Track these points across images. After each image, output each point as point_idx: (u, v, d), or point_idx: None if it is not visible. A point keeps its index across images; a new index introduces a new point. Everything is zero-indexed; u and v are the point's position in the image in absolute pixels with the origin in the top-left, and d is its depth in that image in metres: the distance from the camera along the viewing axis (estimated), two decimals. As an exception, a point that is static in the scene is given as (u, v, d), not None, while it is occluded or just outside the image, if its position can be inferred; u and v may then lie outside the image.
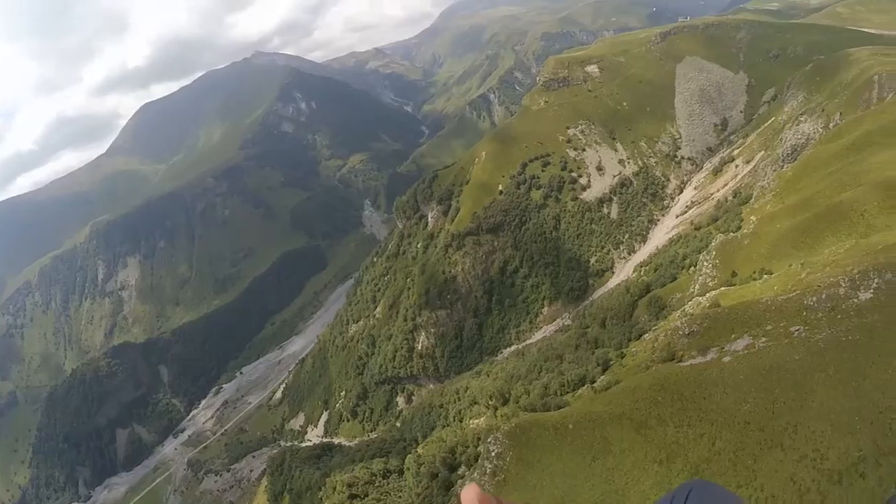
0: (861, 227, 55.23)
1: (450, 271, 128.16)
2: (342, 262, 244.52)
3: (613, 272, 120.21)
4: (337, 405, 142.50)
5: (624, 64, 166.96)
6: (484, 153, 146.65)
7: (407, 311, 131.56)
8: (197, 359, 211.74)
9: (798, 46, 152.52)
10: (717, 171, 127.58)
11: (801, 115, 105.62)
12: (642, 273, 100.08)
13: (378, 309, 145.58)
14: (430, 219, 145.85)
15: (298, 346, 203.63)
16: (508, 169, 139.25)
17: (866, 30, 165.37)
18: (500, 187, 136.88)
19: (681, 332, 47.93)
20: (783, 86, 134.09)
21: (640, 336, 64.58)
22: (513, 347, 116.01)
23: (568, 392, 60.93)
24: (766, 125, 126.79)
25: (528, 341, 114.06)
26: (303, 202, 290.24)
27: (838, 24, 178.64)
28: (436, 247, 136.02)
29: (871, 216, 55.37)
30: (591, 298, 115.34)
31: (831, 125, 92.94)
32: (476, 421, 79.21)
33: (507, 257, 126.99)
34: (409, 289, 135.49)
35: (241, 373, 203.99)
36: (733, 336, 42.14)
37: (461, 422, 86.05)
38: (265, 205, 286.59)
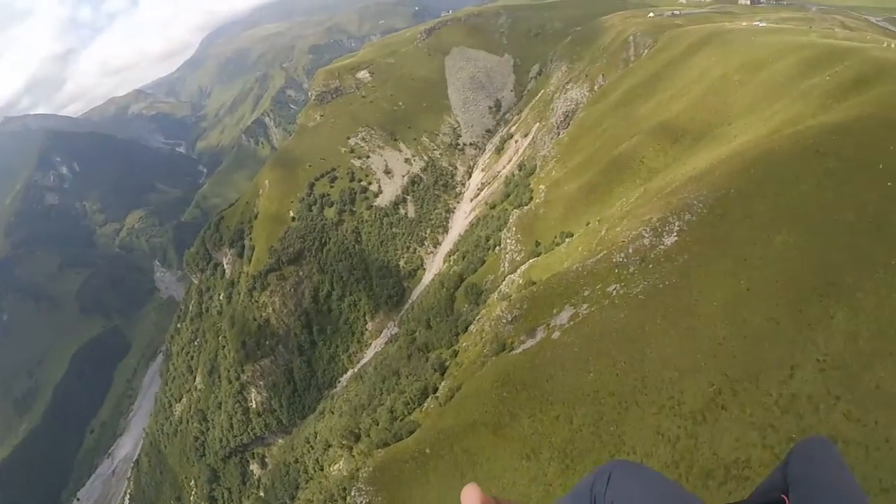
0: (643, 172, 57.92)
1: (261, 316, 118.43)
2: (146, 338, 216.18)
3: (425, 269, 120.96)
4: (191, 498, 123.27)
5: (395, 65, 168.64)
6: (267, 182, 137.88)
7: (228, 371, 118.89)
8: (23, 502, 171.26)
9: (556, 22, 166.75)
10: (499, 150, 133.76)
11: (567, 83, 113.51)
12: (452, 263, 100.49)
13: (198, 379, 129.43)
14: (225, 265, 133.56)
15: (128, 447, 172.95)
16: (296, 193, 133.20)
17: None
18: (292, 214, 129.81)
19: (504, 320, 45.96)
20: (547, 60, 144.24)
21: (467, 328, 63.79)
22: (349, 373, 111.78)
23: (414, 409, 57.91)
24: (536, 99, 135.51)
25: (362, 361, 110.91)
26: (86, 282, 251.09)
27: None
28: (239, 293, 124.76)
29: (650, 160, 58.49)
30: (410, 301, 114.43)
31: (596, 87, 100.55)
32: (336, 466, 74.32)
33: (316, 284, 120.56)
34: (223, 347, 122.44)
35: (77, 500, 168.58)
36: (555, 311, 40.71)
37: (322, 470, 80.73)
38: (46, 296, 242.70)
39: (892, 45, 61.48)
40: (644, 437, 28.85)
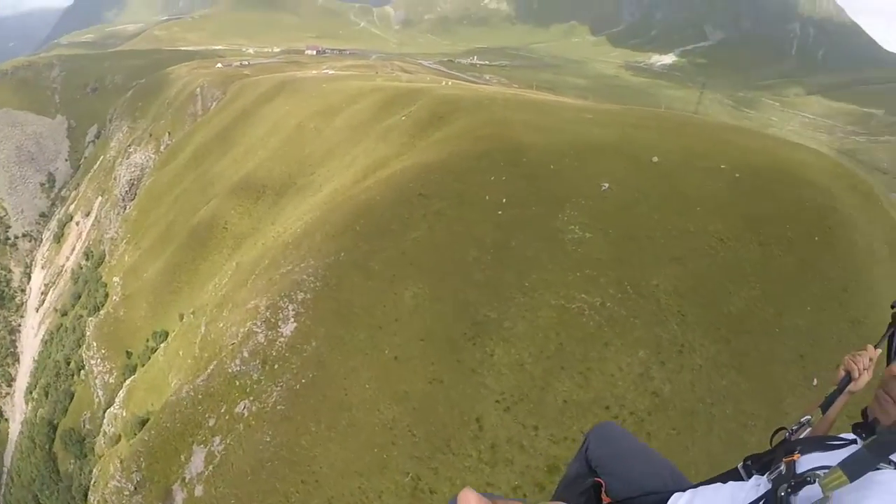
0: (229, 240, 51.25)
1: None
2: None
3: (7, 418, 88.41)
4: None
5: None
6: None
7: None
8: None
9: (117, 75, 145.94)
10: (59, 238, 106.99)
11: (130, 146, 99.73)
12: (36, 404, 74.86)
13: None
14: None
15: None
16: None
17: (184, 48, 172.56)
18: None
19: (127, 491, 34.73)
20: (105, 120, 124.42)
21: (86, 497, 48.15)
22: None
23: None
24: (95, 167, 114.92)
25: None
26: None
27: (157, 46, 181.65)
28: None
29: (235, 225, 52.99)
30: (3, 471, 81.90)
31: (163, 148, 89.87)
32: None
33: None
34: None
35: None
36: (183, 458, 31.67)
37: None
38: None
39: (450, 83, 66.72)
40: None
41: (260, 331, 32.65)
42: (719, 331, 24.62)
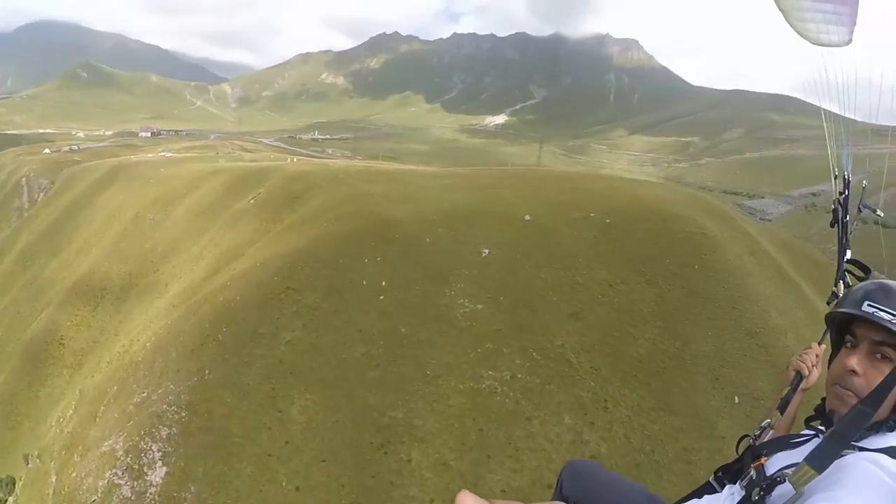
0: (69, 358, 46.68)
1: None
2: None
3: None
4: None
5: None
6: None
7: None
8: None
9: None
10: None
11: None
12: None
13: None
14: None
15: None
16: None
17: (10, 132, 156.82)
18: None
19: None
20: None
21: None
22: None
23: None
24: None
25: None
26: None
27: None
28: None
29: (73, 339, 47.78)
30: None
31: None
32: None
33: None
34: None
35: None
36: None
37: None
38: None
39: (296, 160, 64.73)
40: None
41: (124, 482, 27.30)
42: (636, 377, 23.92)
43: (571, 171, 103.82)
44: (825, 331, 2.69)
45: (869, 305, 2.00)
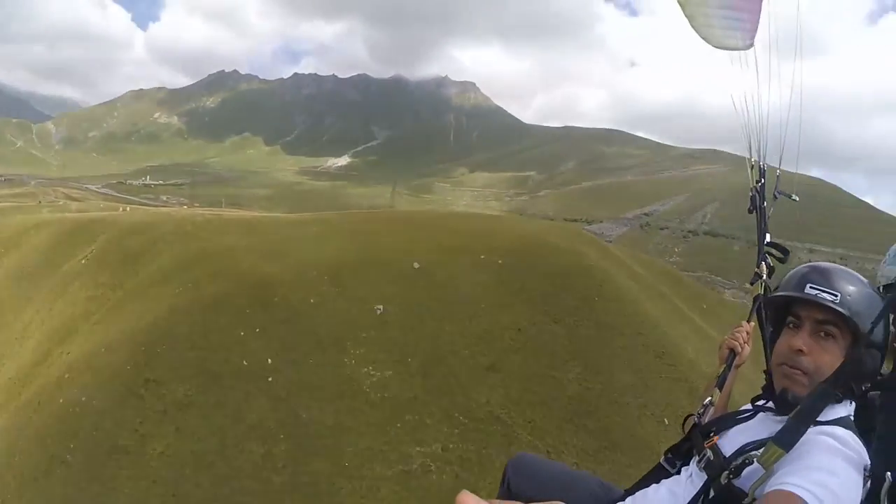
0: None
1: None
2: None
3: None
4: None
5: None
6: None
7: None
8: None
9: None
10: None
11: None
12: None
13: None
14: None
15: None
16: None
17: None
18: None
19: None
20: None
21: None
22: None
23: None
24: None
25: None
26: None
27: None
28: None
29: None
30: None
31: None
32: None
33: None
34: None
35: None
36: None
37: None
38: None
39: (129, 209, 58.02)
40: None
41: None
42: (572, 420, 22.45)
43: (445, 210, 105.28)
44: (751, 309, 3.12)
45: (811, 288, 2.11)
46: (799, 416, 1.90)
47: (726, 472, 2.03)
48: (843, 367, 2.01)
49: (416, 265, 30.80)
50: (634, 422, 23.80)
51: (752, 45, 4.01)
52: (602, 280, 31.74)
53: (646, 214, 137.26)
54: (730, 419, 2.42)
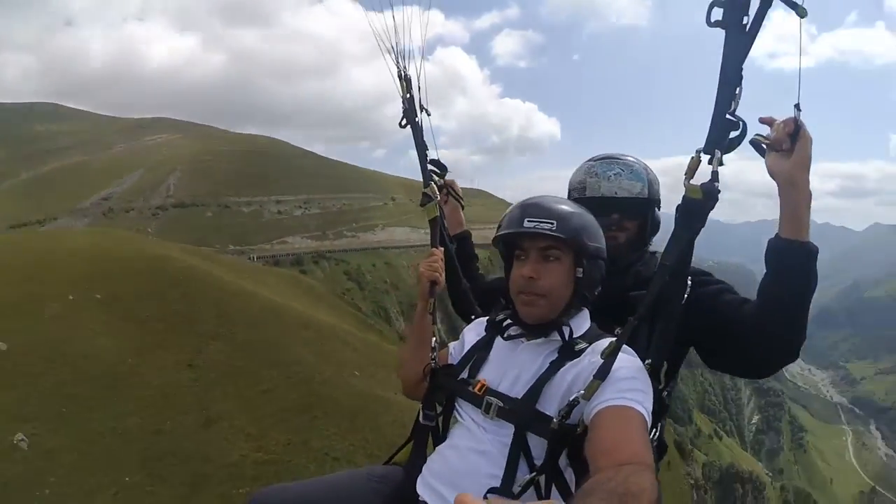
0: None
1: None
2: None
3: None
4: None
5: None
6: None
7: None
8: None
9: None
10: None
11: None
12: None
13: None
14: None
15: None
16: None
17: None
18: None
19: None
20: None
21: None
22: None
23: None
24: None
25: None
26: None
27: None
28: None
29: None
30: None
31: None
32: None
33: None
34: None
35: None
36: None
37: None
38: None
39: None
40: None
41: None
42: (279, 421, 22.06)
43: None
44: (433, 234, 2.89)
45: (529, 221, 2.20)
46: (613, 352, 1.99)
47: (557, 418, 2.00)
48: (578, 283, 2.21)
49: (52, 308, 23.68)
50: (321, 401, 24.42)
51: None
52: (216, 286, 30.22)
53: (104, 200, 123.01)
54: (472, 354, 2.43)
